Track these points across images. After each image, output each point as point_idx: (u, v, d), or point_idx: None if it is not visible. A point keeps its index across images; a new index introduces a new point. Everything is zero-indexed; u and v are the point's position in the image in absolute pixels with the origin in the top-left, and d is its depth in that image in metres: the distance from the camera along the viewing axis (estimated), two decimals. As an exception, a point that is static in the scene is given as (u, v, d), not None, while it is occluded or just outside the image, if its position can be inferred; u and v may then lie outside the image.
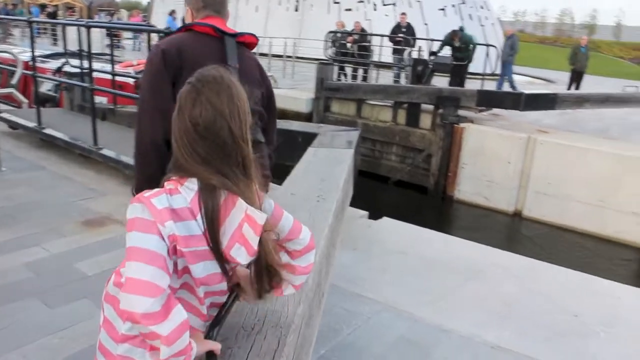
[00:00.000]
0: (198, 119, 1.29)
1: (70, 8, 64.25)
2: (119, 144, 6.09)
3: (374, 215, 5.14)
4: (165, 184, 1.33)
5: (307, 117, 12.67)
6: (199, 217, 1.29)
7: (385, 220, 4.93)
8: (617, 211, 8.69)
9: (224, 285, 1.41)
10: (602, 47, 55.45)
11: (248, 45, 2.25)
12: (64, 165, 5.84)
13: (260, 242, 1.32)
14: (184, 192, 1.29)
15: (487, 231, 9.55)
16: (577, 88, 15.32)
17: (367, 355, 3.01)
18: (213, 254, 1.32)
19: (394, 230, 4.66)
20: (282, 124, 5.35)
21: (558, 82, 21.48)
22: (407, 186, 11.17)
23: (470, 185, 10.30)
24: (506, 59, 13.61)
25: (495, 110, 11.51)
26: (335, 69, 14.01)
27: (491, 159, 9.94)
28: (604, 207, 8.80)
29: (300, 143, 4.62)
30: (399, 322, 3.31)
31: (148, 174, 2.02)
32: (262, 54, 16.03)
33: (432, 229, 5.02)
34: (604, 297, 3.64)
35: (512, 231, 9.74)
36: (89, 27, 6.04)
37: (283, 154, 4.52)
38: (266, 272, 1.43)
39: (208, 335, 1.43)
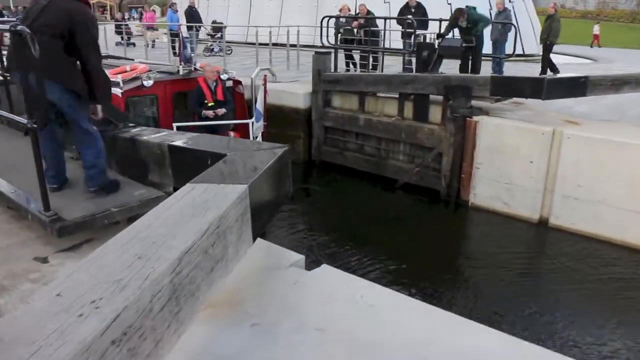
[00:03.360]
0: None
1: (102, 7, 64.87)
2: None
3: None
4: None
5: (306, 114, 11.39)
6: None
7: (325, 270, 3.59)
8: (664, 219, 7.10)
9: None
10: (655, 19, 51.48)
11: None
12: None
13: None
14: None
15: (506, 245, 8.06)
16: (543, 64, 13.06)
17: None
18: None
19: (328, 288, 3.33)
20: (190, 141, 4.09)
21: (600, 59, 19.46)
22: (417, 190, 9.74)
23: (487, 189, 8.80)
24: (497, 38, 11.95)
25: (517, 98, 9.92)
26: (341, 57, 12.67)
27: (510, 158, 8.42)
28: (648, 214, 7.21)
29: (209, 166, 3.37)
30: None
31: None
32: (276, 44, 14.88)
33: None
34: None
35: (536, 244, 8.20)
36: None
37: (189, 180, 3.28)
38: None
39: None
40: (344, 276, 3.51)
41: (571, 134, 7.87)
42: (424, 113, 9.69)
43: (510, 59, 13.31)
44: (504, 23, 11.67)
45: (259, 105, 8.87)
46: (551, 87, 8.12)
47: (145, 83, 8.32)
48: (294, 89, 11.56)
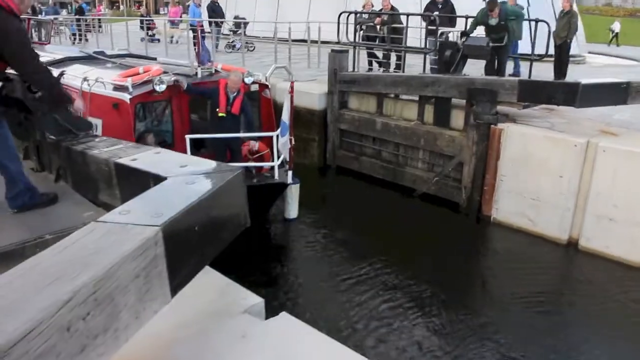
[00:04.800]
0: None
1: (137, 2, 65.39)
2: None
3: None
4: None
5: (322, 116, 10.73)
6: None
7: (282, 320, 2.95)
8: None
9: None
10: None
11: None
12: None
13: None
14: None
15: (531, 268, 7.25)
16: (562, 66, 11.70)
17: None
18: None
19: (281, 346, 2.69)
20: (140, 158, 3.47)
21: (645, 61, 18.20)
22: (435, 201, 8.98)
23: (511, 204, 8.00)
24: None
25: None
26: (364, 55, 11.95)
27: (538, 171, 7.61)
28: (694, 241, 6.33)
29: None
30: None
31: None
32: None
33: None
34: None
35: (565, 269, 7.38)
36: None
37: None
38: None
39: None
40: (303, 330, 2.88)
41: (607, 146, 7.02)
42: (445, 118, 8.93)
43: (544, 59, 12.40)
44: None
45: (285, 117, 7.10)
46: (587, 93, 7.25)
47: (157, 87, 7.32)
48: (310, 89, 10.90)
